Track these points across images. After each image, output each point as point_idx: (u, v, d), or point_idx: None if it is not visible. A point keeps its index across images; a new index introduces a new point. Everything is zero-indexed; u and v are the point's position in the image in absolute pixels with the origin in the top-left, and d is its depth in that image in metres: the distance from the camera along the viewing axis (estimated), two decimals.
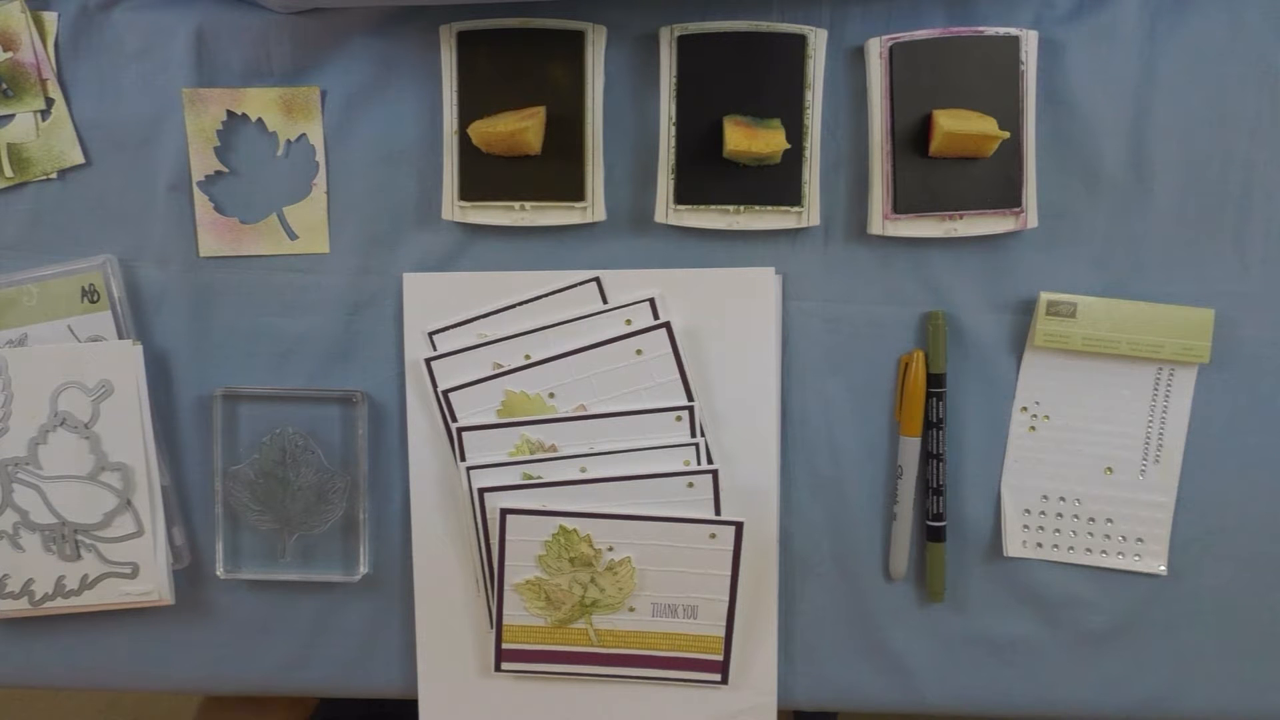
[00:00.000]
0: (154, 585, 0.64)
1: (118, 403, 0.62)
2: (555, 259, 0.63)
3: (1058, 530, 0.64)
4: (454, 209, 0.62)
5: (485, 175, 0.62)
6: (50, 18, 0.63)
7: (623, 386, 0.62)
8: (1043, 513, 0.64)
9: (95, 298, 0.63)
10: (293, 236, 0.64)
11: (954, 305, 0.63)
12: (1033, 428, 0.64)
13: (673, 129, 0.61)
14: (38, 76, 0.63)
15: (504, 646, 0.64)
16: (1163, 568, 0.64)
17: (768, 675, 0.64)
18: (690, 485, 0.62)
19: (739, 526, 0.62)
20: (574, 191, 0.62)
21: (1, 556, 0.64)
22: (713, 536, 0.62)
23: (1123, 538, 0.64)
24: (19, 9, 0.62)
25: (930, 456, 0.63)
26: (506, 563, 0.63)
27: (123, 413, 0.63)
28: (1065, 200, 0.62)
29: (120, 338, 0.63)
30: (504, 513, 0.62)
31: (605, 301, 0.63)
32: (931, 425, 0.63)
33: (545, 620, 0.63)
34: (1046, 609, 0.64)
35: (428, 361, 0.63)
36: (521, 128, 0.58)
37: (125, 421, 0.63)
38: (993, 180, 0.61)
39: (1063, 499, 0.64)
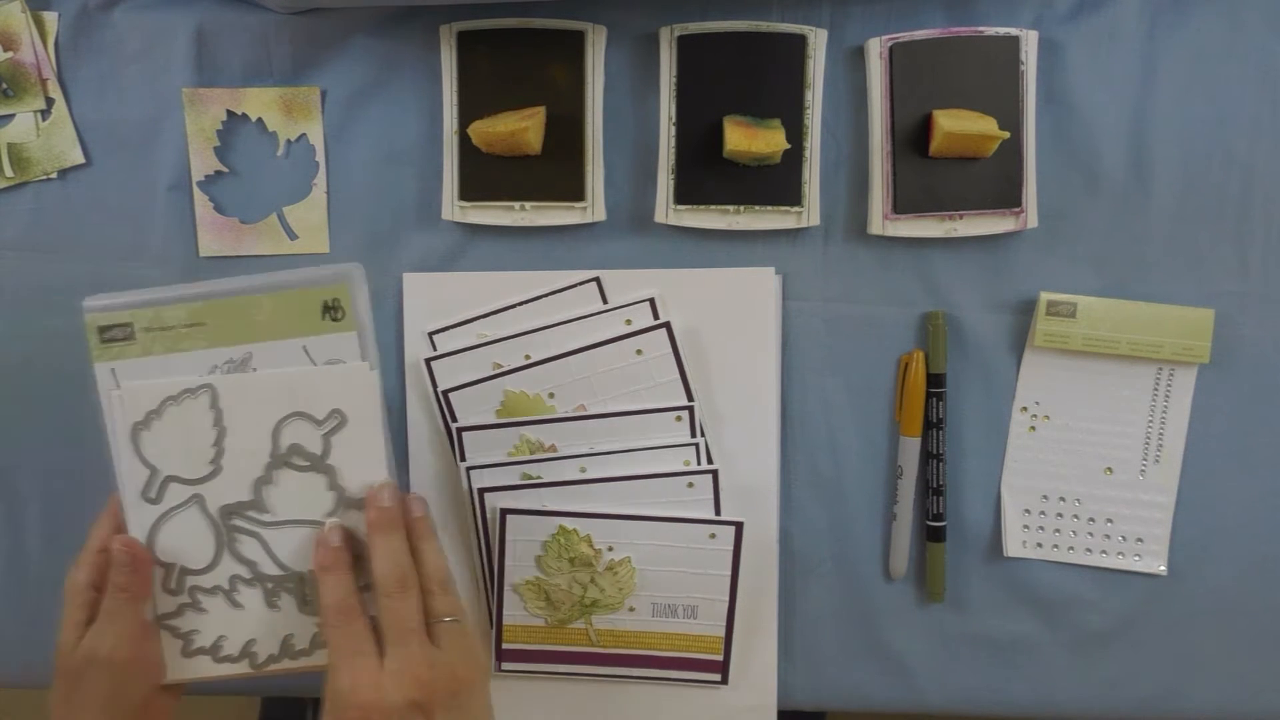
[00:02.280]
0: None
1: (353, 435, 0.54)
2: (555, 259, 0.63)
3: (1058, 530, 0.64)
4: (454, 209, 0.62)
5: (485, 175, 0.62)
6: (50, 18, 0.63)
7: (623, 386, 0.62)
8: (1043, 513, 0.64)
9: (339, 315, 0.53)
10: (293, 236, 0.64)
11: (954, 305, 0.63)
12: (1033, 428, 0.64)
13: (673, 129, 0.61)
14: (38, 76, 0.63)
15: (504, 646, 0.64)
16: (1163, 568, 0.64)
17: (768, 675, 0.64)
18: (690, 485, 0.62)
19: (739, 526, 0.62)
20: (574, 191, 0.62)
21: (216, 615, 0.55)
22: (712, 536, 0.62)
23: (1123, 538, 0.64)
24: (19, 9, 0.62)
25: (930, 456, 0.63)
26: (506, 563, 0.63)
27: (359, 445, 0.54)
28: (1065, 200, 0.62)
29: (370, 359, 0.54)
30: (504, 513, 0.62)
31: (605, 301, 0.63)
32: (931, 425, 0.63)
33: (545, 620, 0.63)
34: (1046, 609, 0.64)
35: (428, 361, 0.63)
36: (521, 128, 0.58)
37: (363, 454, 0.54)
38: (993, 180, 0.61)
39: (1063, 499, 0.64)
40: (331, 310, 0.53)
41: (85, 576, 0.52)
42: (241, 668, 0.55)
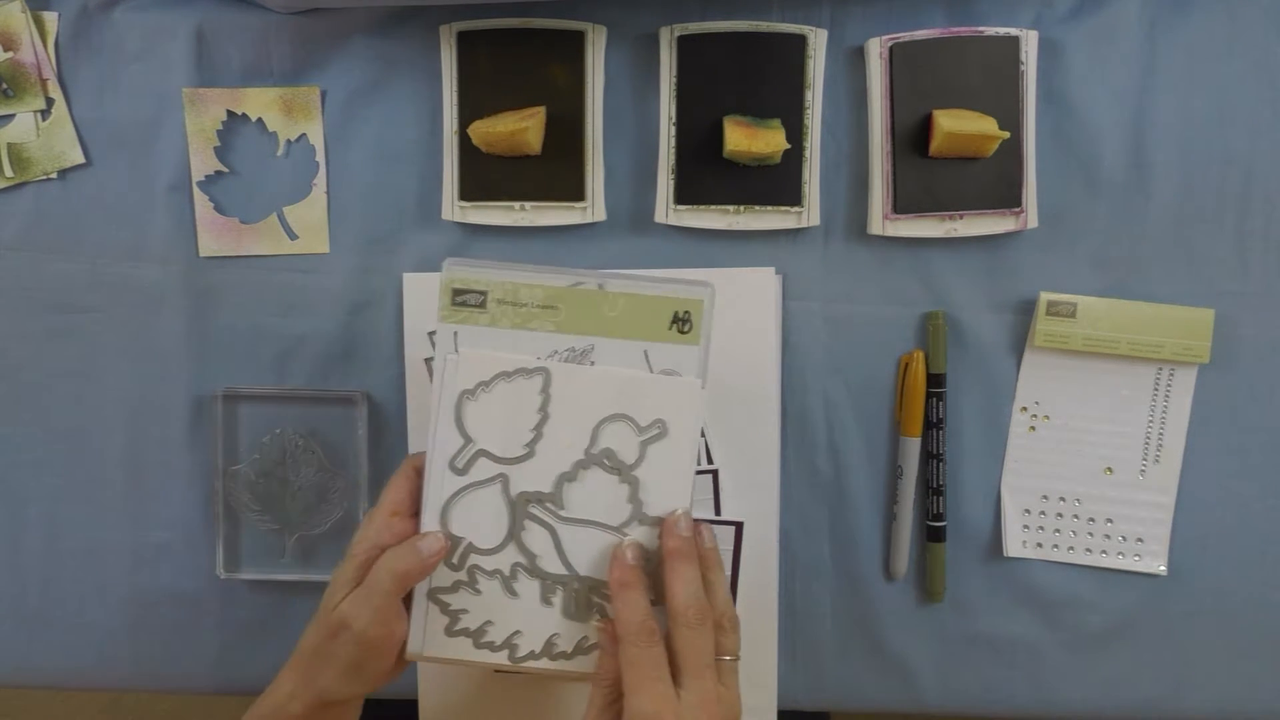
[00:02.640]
0: None
1: (668, 449, 0.53)
2: (555, 259, 0.63)
3: (1058, 530, 0.64)
4: (454, 209, 0.62)
5: (485, 175, 0.62)
6: (50, 18, 0.63)
7: None
8: (1043, 513, 0.64)
9: (687, 327, 0.53)
10: (293, 236, 0.64)
11: (954, 305, 0.63)
12: (1033, 428, 0.64)
13: (673, 129, 0.61)
14: (38, 76, 0.63)
15: None
16: (1163, 568, 0.64)
17: (768, 675, 0.64)
18: None
19: (739, 526, 0.62)
20: (574, 191, 0.62)
21: (489, 599, 0.53)
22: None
23: (1123, 538, 0.64)
24: (19, 9, 0.62)
25: (930, 456, 0.63)
26: None
27: (671, 461, 0.53)
28: (1065, 200, 0.62)
29: (701, 378, 0.53)
30: None
31: None
32: (931, 425, 0.63)
33: None
34: (1046, 609, 0.64)
35: (428, 361, 0.63)
36: (521, 128, 0.58)
37: (672, 472, 0.53)
38: (993, 180, 0.61)
39: (1063, 499, 0.64)
40: (680, 321, 0.53)
41: (375, 536, 0.52)
42: (500, 658, 0.54)
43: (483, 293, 0.52)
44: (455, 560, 0.53)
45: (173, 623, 0.66)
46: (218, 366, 0.65)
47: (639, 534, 0.53)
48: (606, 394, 0.53)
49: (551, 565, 0.53)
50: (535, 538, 0.53)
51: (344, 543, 0.65)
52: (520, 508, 0.53)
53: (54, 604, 0.67)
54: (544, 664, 0.54)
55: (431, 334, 0.63)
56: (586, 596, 0.53)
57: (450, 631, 0.54)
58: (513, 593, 0.53)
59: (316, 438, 0.65)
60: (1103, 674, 0.64)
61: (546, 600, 0.53)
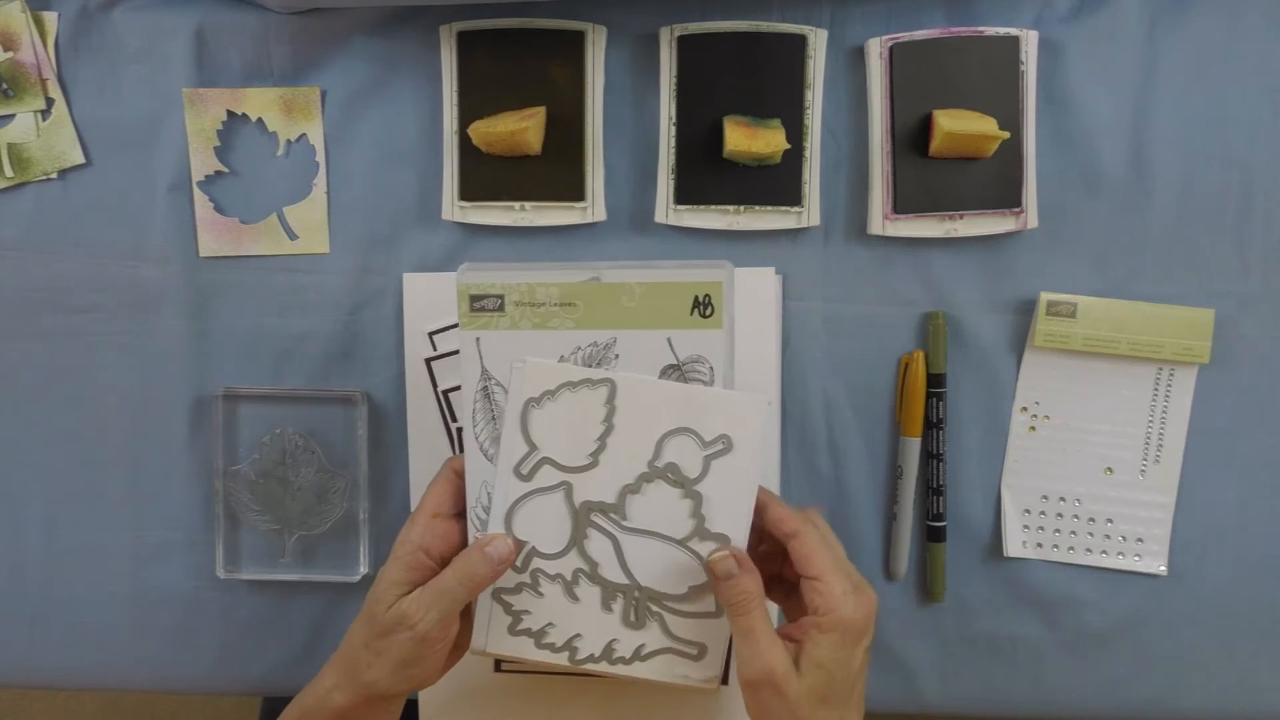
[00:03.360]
0: (715, 671, 0.55)
1: (732, 465, 0.52)
2: (555, 259, 0.63)
3: (1058, 530, 0.64)
4: (454, 209, 0.62)
5: (485, 175, 0.62)
6: (50, 18, 0.63)
7: None
8: (1043, 513, 0.64)
9: (709, 311, 0.52)
10: (293, 236, 0.64)
11: (954, 305, 0.63)
12: (1033, 428, 0.64)
13: (673, 129, 0.61)
14: (38, 76, 0.63)
15: None
16: (1163, 568, 0.64)
17: None
18: None
19: None
20: (574, 191, 0.62)
21: (550, 601, 0.54)
22: None
23: (1123, 538, 0.64)
24: (19, 9, 0.62)
25: (930, 456, 0.63)
26: None
27: (735, 477, 0.52)
28: (1065, 200, 0.62)
29: (726, 363, 0.53)
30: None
31: None
32: (931, 425, 0.63)
33: None
34: (1046, 609, 0.64)
35: (428, 361, 0.63)
36: (521, 128, 0.58)
37: (735, 488, 0.52)
38: (993, 180, 0.61)
39: (1063, 499, 0.64)
40: (701, 306, 0.52)
41: (418, 539, 0.52)
42: (560, 659, 0.55)
43: (500, 296, 0.52)
44: (519, 563, 0.54)
45: (173, 623, 0.66)
46: (218, 366, 0.65)
47: (702, 549, 0.53)
48: (671, 407, 0.52)
49: (612, 573, 0.54)
50: (597, 545, 0.53)
51: (344, 542, 0.65)
52: (583, 516, 0.53)
53: (54, 604, 0.67)
54: (603, 667, 0.54)
55: (431, 334, 0.63)
56: (646, 605, 0.54)
57: (513, 630, 0.55)
58: (574, 597, 0.54)
59: (316, 438, 0.65)
60: (1103, 674, 0.64)
61: (607, 606, 0.54)
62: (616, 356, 0.53)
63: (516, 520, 0.54)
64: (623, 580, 0.54)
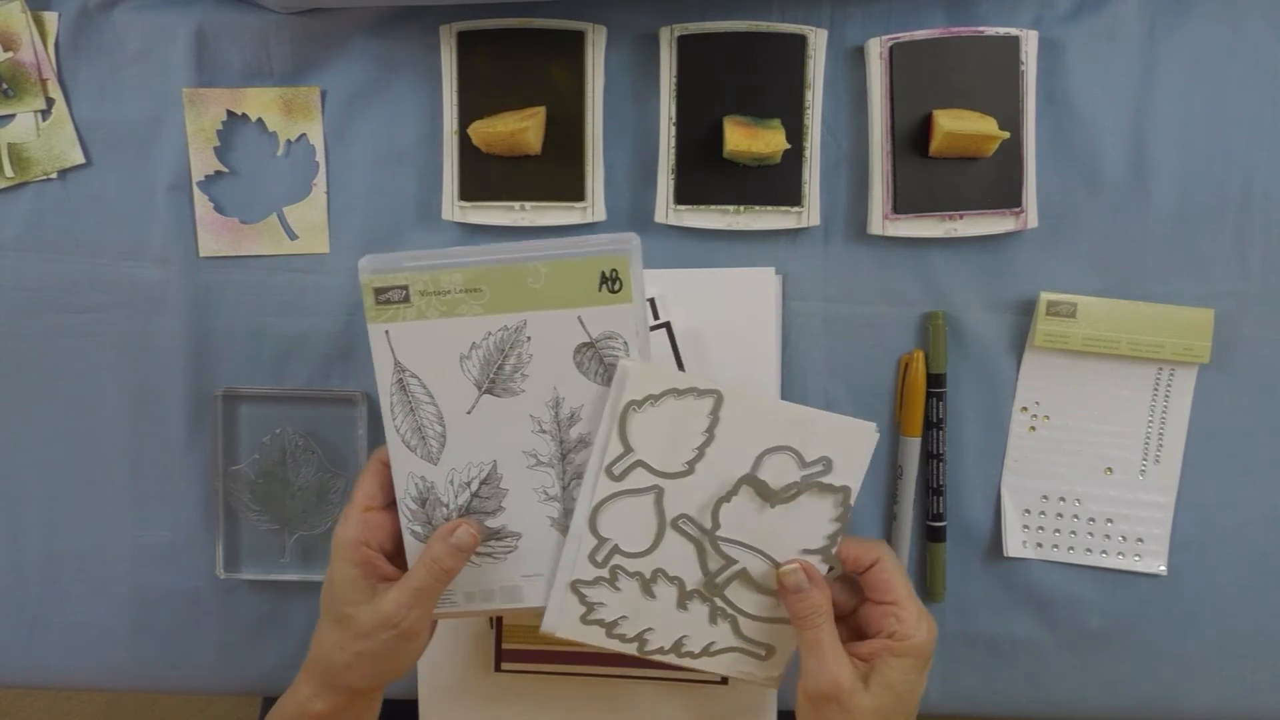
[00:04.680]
0: (779, 671, 0.56)
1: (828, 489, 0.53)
2: None
3: (1058, 530, 0.64)
4: (454, 209, 0.62)
5: (485, 175, 0.62)
6: (50, 18, 0.63)
7: None
8: (1043, 513, 0.64)
9: (617, 286, 0.51)
10: (293, 236, 0.64)
11: (954, 305, 0.63)
12: (1033, 428, 0.64)
13: (673, 129, 0.61)
14: (38, 76, 0.63)
15: (504, 646, 0.64)
16: (1163, 568, 0.64)
17: None
18: None
19: None
20: (574, 191, 0.62)
21: (627, 596, 0.54)
22: None
23: (1123, 538, 0.64)
24: (19, 9, 0.62)
25: (930, 456, 0.63)
26: None
27: (825, 498, 0.53)
28: (1065, 200, 0.62)
29: (640, 336, 0.52)
30: None
31: None
32: (931, 425, 0.63)
33: None
34: (1046, 609, 0.64)
35: None
36: (521, 128, 0.58)
37: (822, 509, 0.53)
38: (993, 180, 0.61)
39: (1063, 499, 0.64)
40: (609, 281, 0.51)
41: (355, 533, 0.53)
42: (630, 649, 0.55)
43: (404, 287, 0.52)
44: (600, 558, 0.54)
45: (173, 623, 0.66)
46: (218, 366, 0.65)
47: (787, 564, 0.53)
48: (777, 424, 0.52)
49: (692, 576, 0.54)
50: (681, 550, 0.54)
51: None
52: (671, 521, 0.53)
53: (54, 604, 0.67)
54: (671, 659, 0.55)
55: None
56: (721, 609, 0.54)
57: (586, 620, 0.55)
58: (650, 594, 0.54)
59: (316, 438, 0.65)
60: (1103, 674, 0.64)
61: (682, 606, 0.54)
62: (529, 339, 0.52)
63: (603, 517, 0.54)
64: (702, 584, 0.54)
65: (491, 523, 0.54)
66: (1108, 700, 0.65)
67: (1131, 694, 0.65)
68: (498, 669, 0.64)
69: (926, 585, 0.64)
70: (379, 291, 0.52)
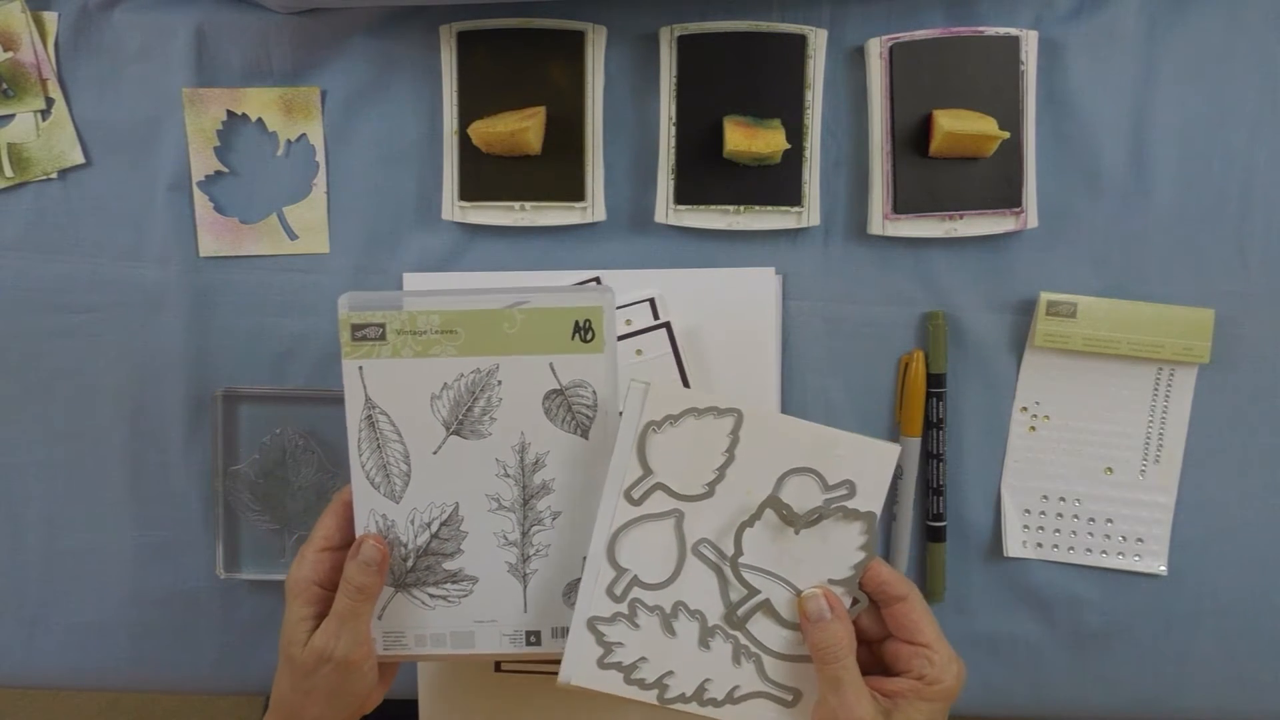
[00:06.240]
0: (807, 718, 0.53)
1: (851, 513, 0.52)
2: (555, 259, 0.63)
3: (1058, 530, 0.64)
4: (454, 209, 0.62)
5: (485, 175, 0.62)
6: (50, 18, 0.63)
7: None
8: (1043, 513, 0.64)
9: (589, 336, 0.52)
10: (293, 236, 0.64)
11: (954, 305, 0.63)
12: (1033, 428, 0.64)
13: (673, 129, 0.61)
14: (38, 76, 0.63)
15: None
16: (1163, 568, 0.64)
17: None
18: None
19: None
20: (574, 191, 0.62)
21: (647, 635, 0.52)
22: None
23: (1123, 538, 0.64)
24: (19, 9, 0.62)
25: (930, 456, 0.63)
26: None
27: (850, 524, 0.51)
28: (1065, 200, 0.62)
29: (608, 385, 0.53)
30: None
31: None
32: (931, 425, 0.63)
33: None
34: (1046, 609, 0.64)
35: None
36: (521, 128, 0.58)
37: (847, 536, 0.52)
38: (993, 180, 0.61)
39: (1063, 499, 0.64)
40: (582, 331, 0.52)
41: (309, 573, 0.53)
42: (649, 696, 0.52)
43: (381, 325, 0.52)
44: (618, 591, 0.52)
45: (173, 623, 0.66)
46: (218, 366, 0.65)
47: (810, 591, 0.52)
48: (799, 445, 0.51)
49: (714, 609, 0.52)
50: (702, 579, 0.52)
51: None
52: (692, 547, 0.52)
53: (54, 604, 0.67)
54: (694, 708, 0.52)
55: None
56: (745, 646, 0.52)
57: (602, 663, 0.53)
58: (671, 631, 0.52)
59: (316, 438, 0.65)
60: (1103, 674, 0.64)
61: (704, 644, 0.52)
62: (499, 383, 0.53)
63: (621, 545, 0.52)
64: (723, 617, 0.52)
65: (449, 565, 0.54)
66: (1108, 700, 0.65)
67: (1131, 694, 0.65)
68: (498, 669, 0.64)
69: (927, 585, 0.64)
70: (356, 328, 0.52)
